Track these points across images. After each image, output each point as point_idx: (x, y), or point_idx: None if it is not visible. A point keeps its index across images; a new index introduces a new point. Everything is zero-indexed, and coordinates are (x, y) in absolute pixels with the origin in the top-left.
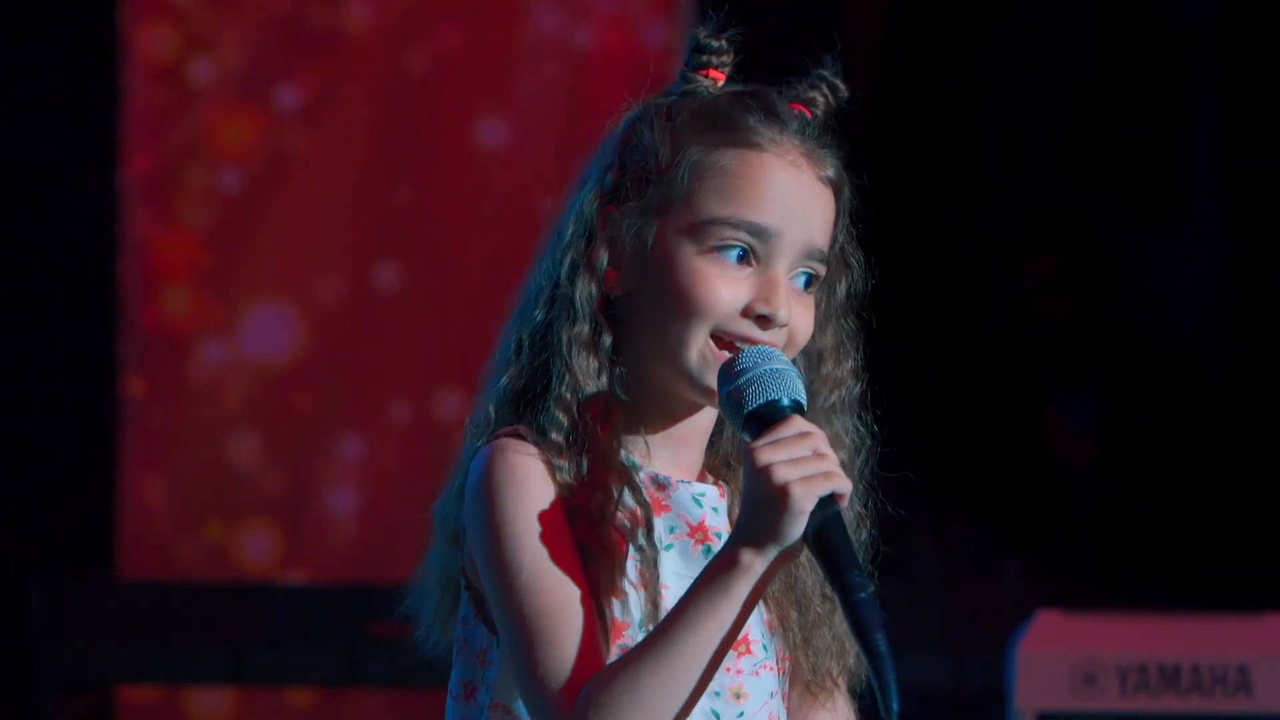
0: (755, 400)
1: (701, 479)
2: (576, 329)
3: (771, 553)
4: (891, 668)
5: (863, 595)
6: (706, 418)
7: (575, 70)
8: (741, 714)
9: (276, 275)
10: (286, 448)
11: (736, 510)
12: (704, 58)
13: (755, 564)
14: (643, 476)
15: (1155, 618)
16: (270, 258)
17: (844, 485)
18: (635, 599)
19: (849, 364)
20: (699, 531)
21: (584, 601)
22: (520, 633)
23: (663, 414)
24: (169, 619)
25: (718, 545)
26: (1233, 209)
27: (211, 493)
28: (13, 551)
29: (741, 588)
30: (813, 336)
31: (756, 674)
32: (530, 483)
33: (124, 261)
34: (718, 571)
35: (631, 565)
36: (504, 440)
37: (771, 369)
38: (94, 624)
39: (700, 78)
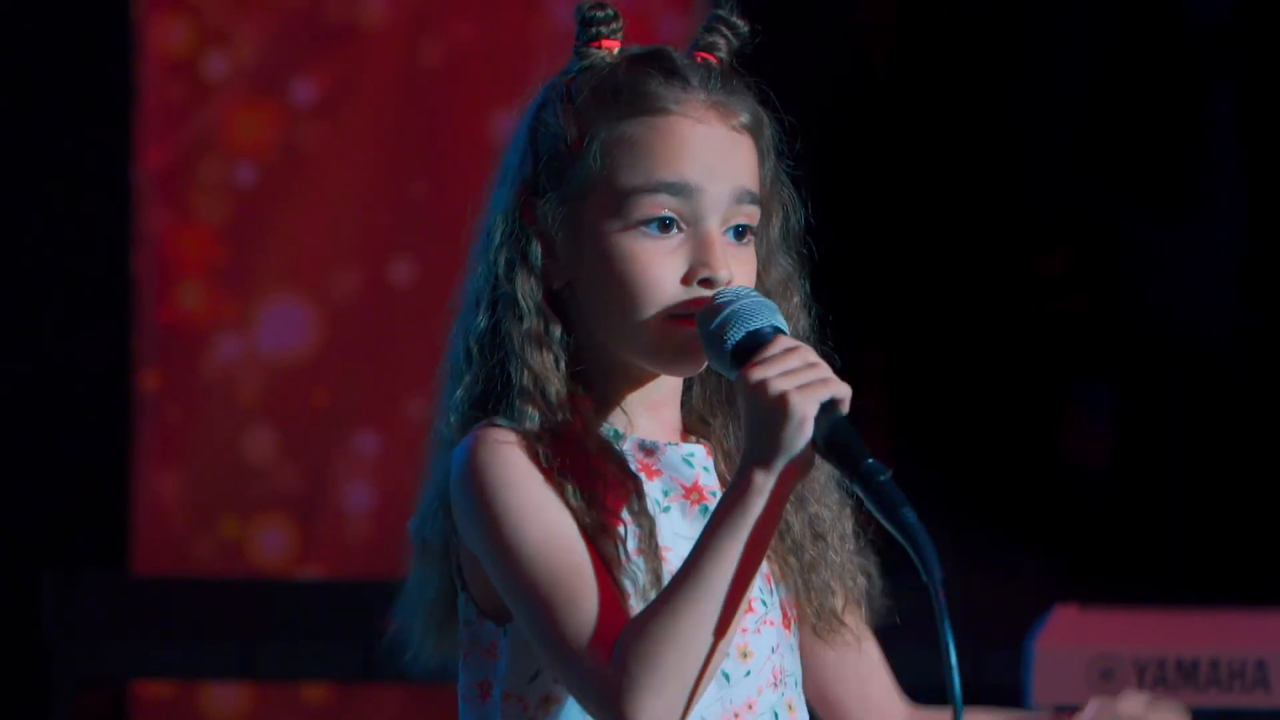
0: (736, 335)
1: (685, 439)
2: (525, 325)
3: (781, 466)
4: (926, 537)
5: (882, 478)
6: (673, 384)
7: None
8: (748, 672)
9: (292, 270)
10: (302, 443)
11: (724, 466)
12: (593, 30)
13: (768, 481)
14: (629, 445)
15: (1173, 613)
16: (285, 252)
17: (842, 390)
18: (636, 568)
19: (796, 299)
20: (694, 492)
21: (595, 561)
22: (538, 604)
23: (633, 382)
24: (183, 614)
25: (714, 503)
26: (1251, 206)
27: (226, 488)
28: (27, 546)
29: (758, 507)
30: (760, 280)
31: (758, 630)
32: (516, 461)
33: (138, 256)
34: (733, 498)
35: (630, 536)
36: (482, 431)
37: (745, 304)
38: (108, 619)
39: (594, 50)
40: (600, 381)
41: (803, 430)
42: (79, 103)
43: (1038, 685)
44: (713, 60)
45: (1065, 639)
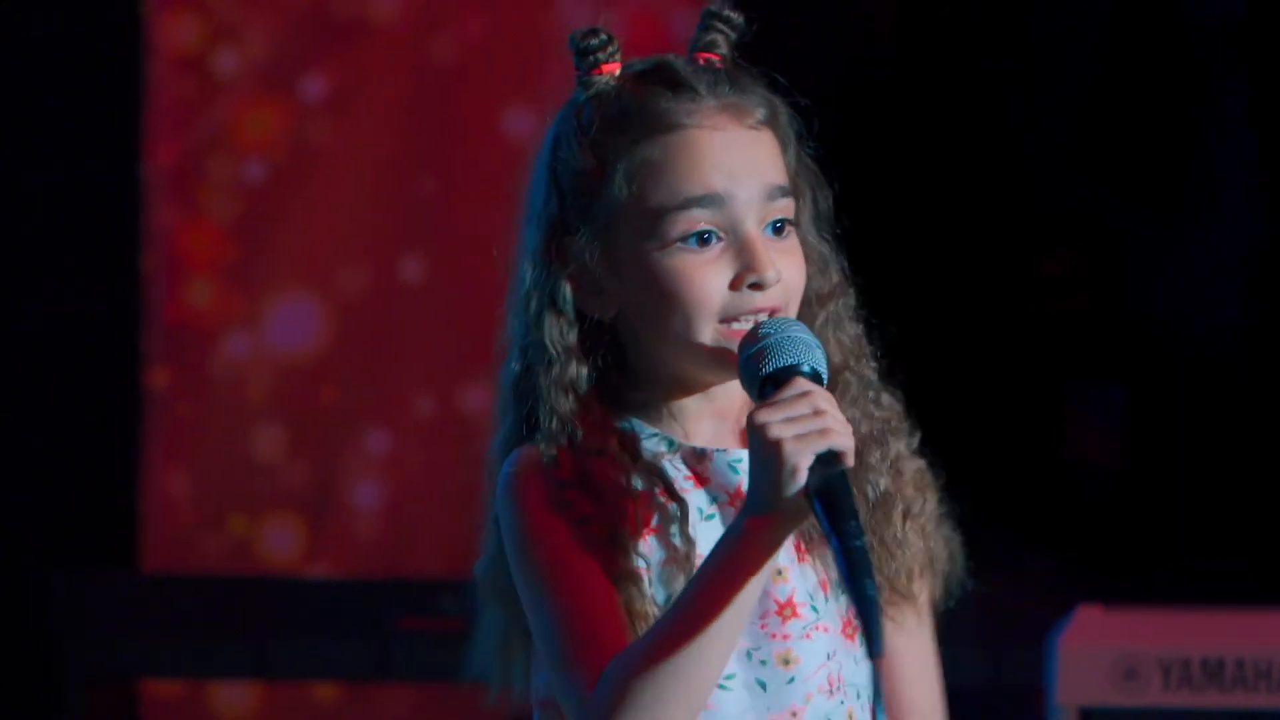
0: (767, 367)
1: (741, 445)
2: (553, 372)
3: (771, 512)
4: (879, 613)
5: (857, 543)
6: (736, 385)
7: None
8: (792, 679)
9: (301, 267)
10: (311, 441)
11: None
12: (591, 58)
13: (759, 527)
14: (681, 454)
15: (1198, 612)
16: (295, 250)
17: (842, 442)
18: (662, 583)
19: (836, 278)
20: (738, 498)
21: (604, 591)
22: (544, 626)
23: (694, 394)
24: (193, 612)
25: None
26: (1261, 206)
27: (236, 486)
28: (35, 543)
29: (747, 552)
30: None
31: (807, 636)
32: (534, 491)
33: (147, 253)
34: (726, 539)
35: (659, 549)
36: (518, 454)
37: (785, 336)
38: (118, 617)
39: (595, 78)
40: (662, 395)
41: (794, 479)
42: (88, 99)
43: (1062, 685)
44: (715, 59)
45: (1089, 639)
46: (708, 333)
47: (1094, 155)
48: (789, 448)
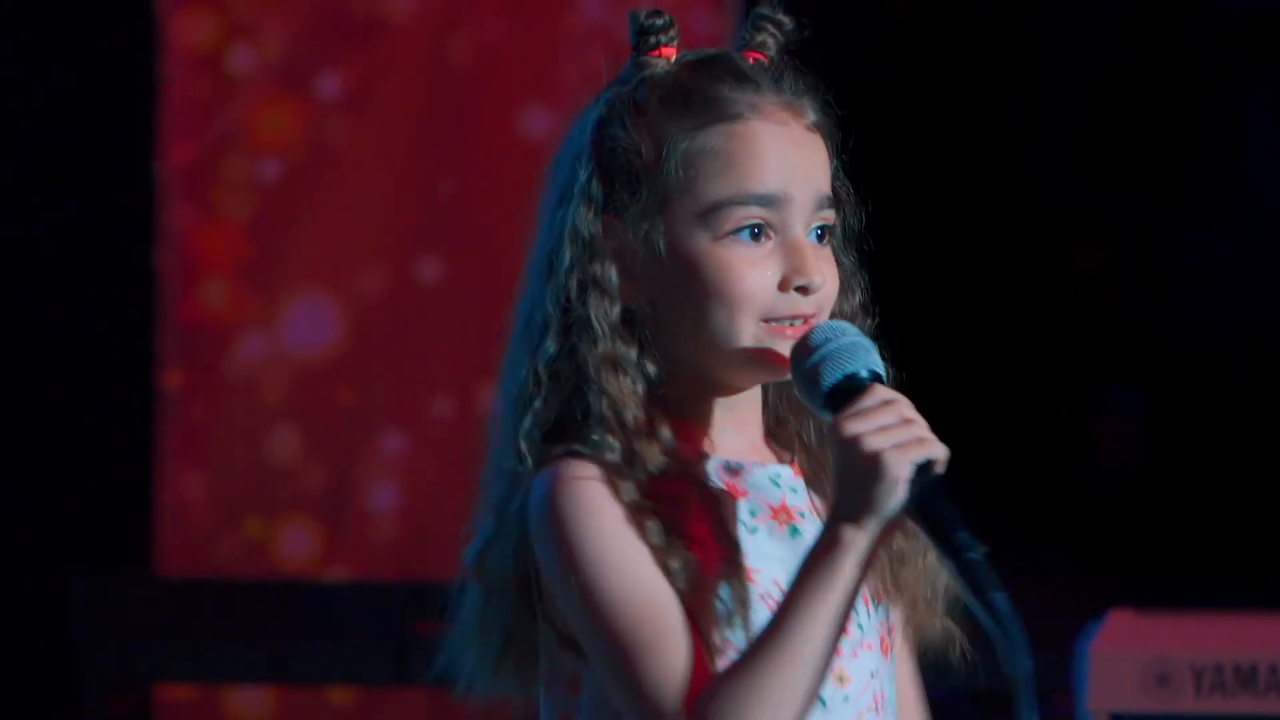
0: (832, 376)
1: (774, 458)
2: (600, 350)
3: (872, 526)
4: (1017, 625)
5: (973, 555)
6: (758, 396)
7: (621, 60)
8: (846, 697)
9: (317, 267)
10: (327, 442)
11: (815, 488)
12: (652, 39)
13: (858, 540)
14: (714, 466)
15: (1230, 617)
16: (311, 250)
17: (938, 450)
18: (721, 595)
19: (856, 299)
20: (782, 513)
21: (676, 606)
22: (618, 651)
23: (718, 401)
24: (209, 616)
25: (803, 524)
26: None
27: (251, 488)
28: (49, 547)
29: (848, 566)
30: None
31: (855, 654)
32: (596, 501)
33: (162, 253)
34: (822, 553)
35: (715, 561)
36: (561, 466)
37: (845, 343)
38: (134, 621)
39: (653, 59)
40: (684, 402)
41: (896, 491)
42: (102, 98)
43: (1093, 690)
44: (764, 60)
45: (1120, 643)
46: (749, 329)
47: (1104, 155)
48: (889, 459)
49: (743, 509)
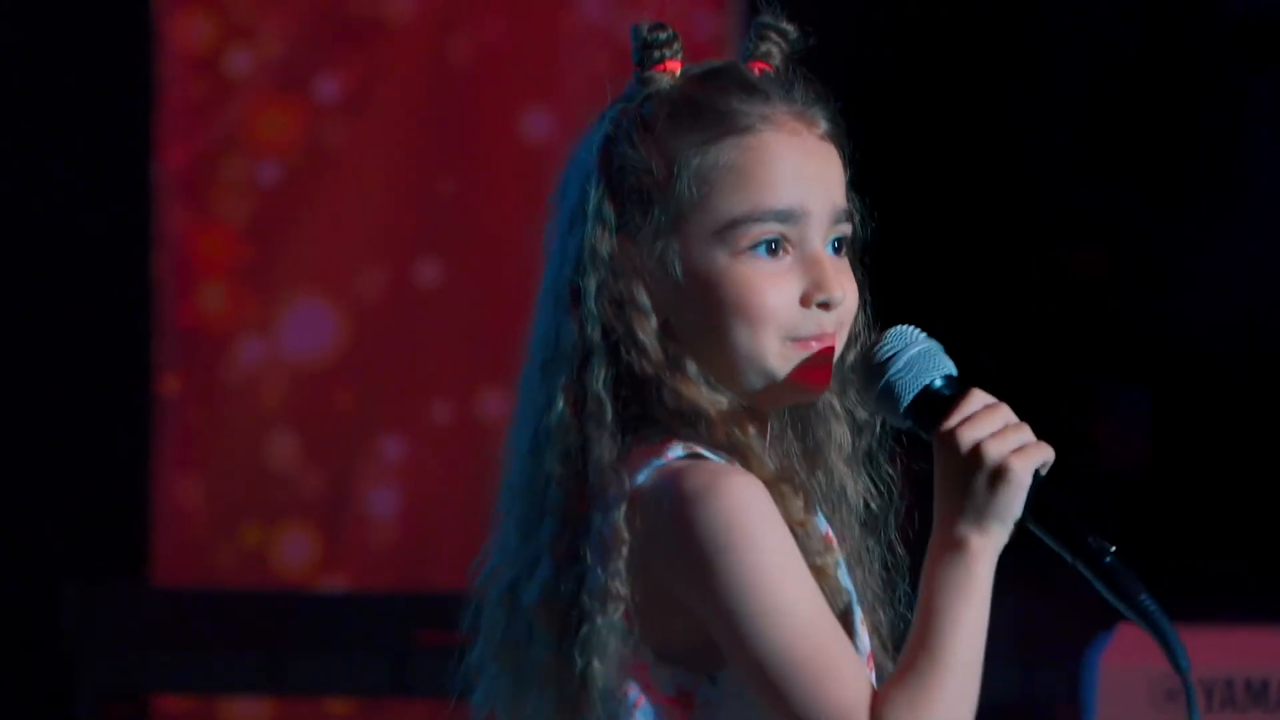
0: (913, 388)
1: None
2: (656, 361)
3: (998, 531)
4: (1168, 624)
5: (1109, 559)
6: (778, 410)
7: (622, 61)
8: None
9: (316, 271)
10: (326, 448)
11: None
12: (656, 53)
13: (988, 545)
14: None
15: (1241, 631)
16: (309, 253)
17: (1050, 454)
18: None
19: (862, 315)
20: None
21: (837, 622)
22: (801, 676)
23: (744, 422)
24: (206, 626)
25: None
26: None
27: (249, 494)
28: (44, 554)
29: (983, 572)
30: None
31: (869, 659)
32: (763, 508)
33: (159, 257)
34: (954, 565)
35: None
36: (700, 468)
37: (920, 351)
38: (129, 631)
39: (658, 74)
40: (709, 423)
41: (1020, 497)
42: (99, 100)
43: (1102, 704)
44: (769, 70)
45: (1130, 657)
46: (774, 347)
47: (1105, 155)
48: (1014, 464)
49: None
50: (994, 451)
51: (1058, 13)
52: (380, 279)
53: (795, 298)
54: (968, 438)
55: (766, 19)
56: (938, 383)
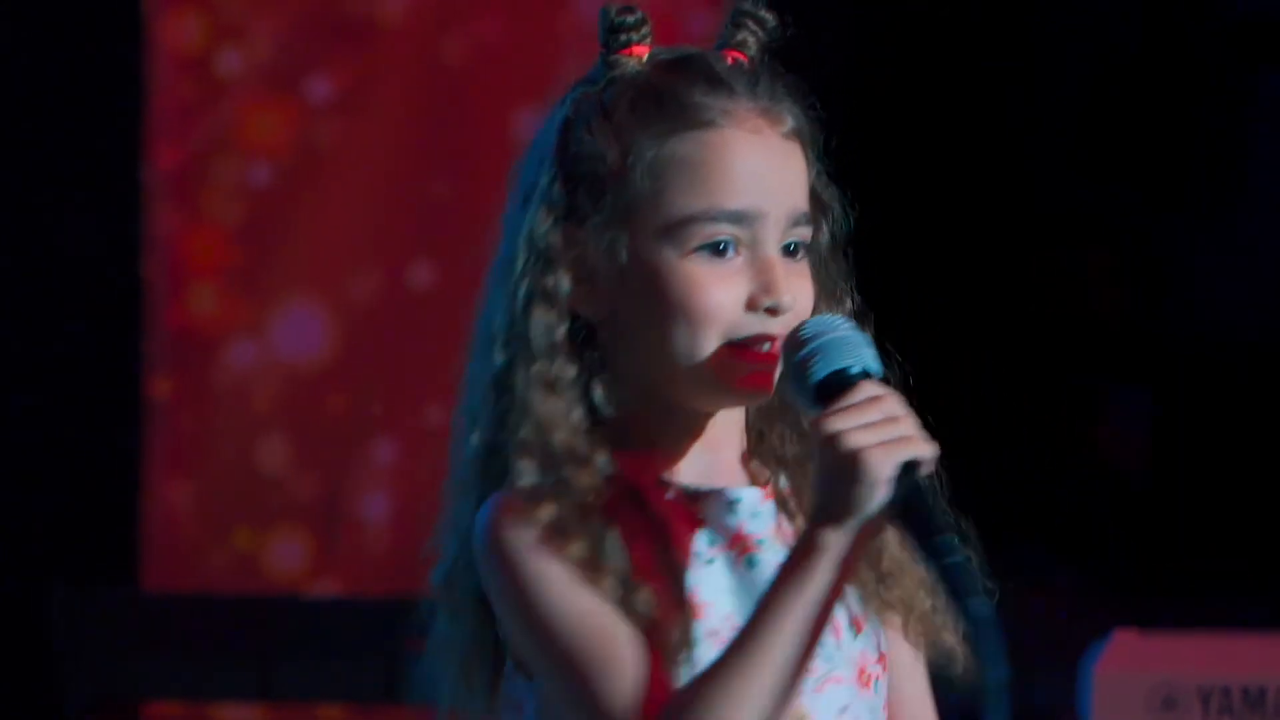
0: (822, 370)
1: (746, 481)
2: (536, 367)
3: (850, 527)
4: (995, 632)
5: (955, 559)
6: (736, 415)
7: None
8: None
9: (308, 273)
10: (318, 452)
11: (788, 509)
12: (622, 36)
13: (835, 543)
14: (672, 494)
15: (1238, 638)
16: (301, 255)
17: (924, 449)
18: (664, 628)
19: (847, 307)
20: (738, 542)
21: (623, 625)
22: (573, 671)
23: (684, 423)
24: (196, 632)
25: (761, 553)
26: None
27: (240, 499)
28: (33, 558)
29: (823, 569)
30: (816, 296)
31: (819, 689)
32: (534, 532)
33: (149, 259)
34: (797, 557)
35: (657, 594)
36: (499, 500)
37: (837, 336)
38: (118, 637)
39: (623, 58)
40: (648, 424)
41: (876, 492)
42: (88, 101)
43: (1098, 713)
44: (744, 60)
45: (1126, 664)
46: (711, 350)
47: (1105, 155)
48: (871, 458)
49: (701, 540)
50: (851, 442)
51: (1057, 13)
52: (373, 281)
53: (741, 300)
54: (831, 426)
55: (745, 6)
56: (854, 370)
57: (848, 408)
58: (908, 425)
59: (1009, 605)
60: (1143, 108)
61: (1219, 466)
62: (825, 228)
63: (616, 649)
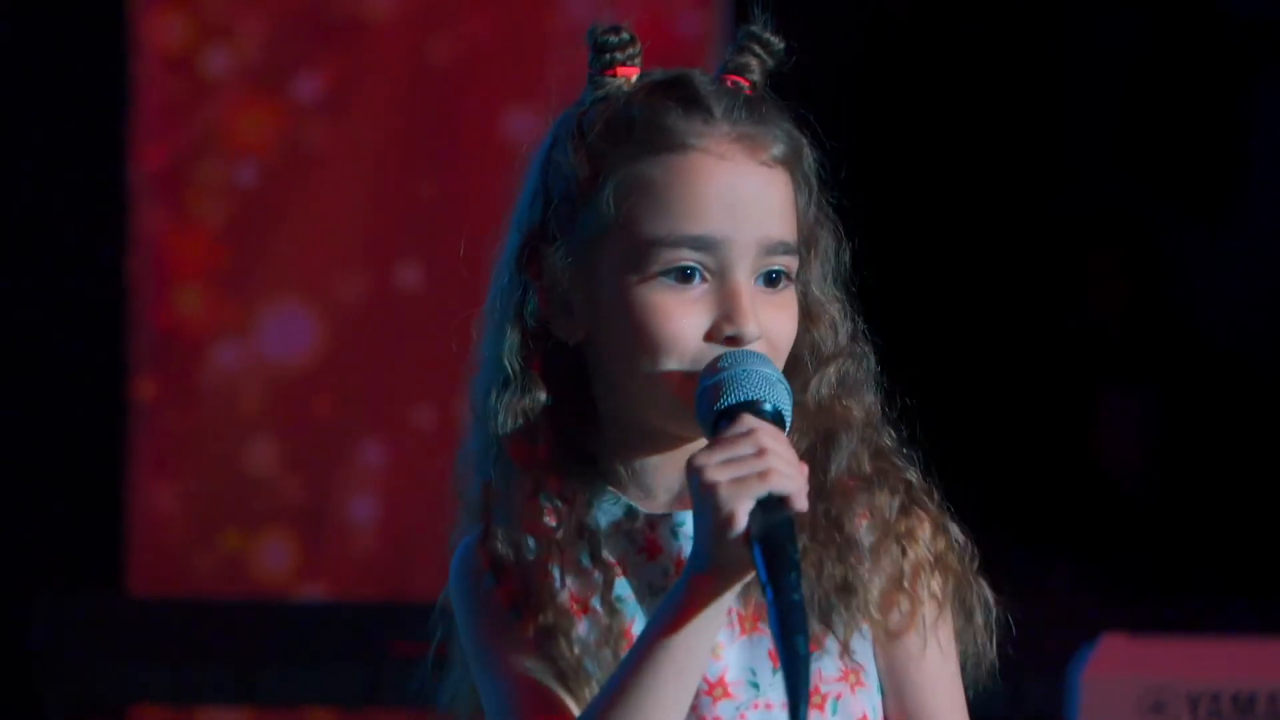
0: (721, 403)
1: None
2: (506, 395)
3: (709, 563)
4: (807, 672)
5: (795, 597)
6: (702, 443)
7: None
8: None
9: (294, 274)
10: (305, 454)
11: None
12: (608, 56)
13: (700, 582)
14: (640, 522)
15: (1228, 642)
16: (288, 256)
17: (785, 485)
18: (596, 662)
19: (843, 338)
20: (679, 566)
21: (540, 684)
22: (488, 710)
23: (655, 446)
24: (182, 636)
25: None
26: None
27: (226, 501)
28: (16, 562)
29: (689, 606)
30: (805, 327)
31: (742, 717)
32: (470, 585)
33: (134, 260)
34: (670, 597)
35: (593, 629)
36: (462, 546)
37: (744, 370)
38: (103, 642)
39: (608, 79)
40: (619, 446)
41: (730, 527)
42: (73, 100)
43: (1085, 717)
44: (744, 83)
45: (1114, 669)
46: (675, 379)
47: (1107, 155)
48: (724, 492)
49: (655, 569)
50: (709, 477)
51: (1058, 16)
52: (360, 282)
53: (701, 329)
54: (697, 460)
55: (753, 28)
56: (767, 407)
57: (719, 441)
58: (773, 459)
59: (1002, 608)
60: (1142, 108)
61: (1212, 471)
62: (817, 259)
63: (525, 695)
